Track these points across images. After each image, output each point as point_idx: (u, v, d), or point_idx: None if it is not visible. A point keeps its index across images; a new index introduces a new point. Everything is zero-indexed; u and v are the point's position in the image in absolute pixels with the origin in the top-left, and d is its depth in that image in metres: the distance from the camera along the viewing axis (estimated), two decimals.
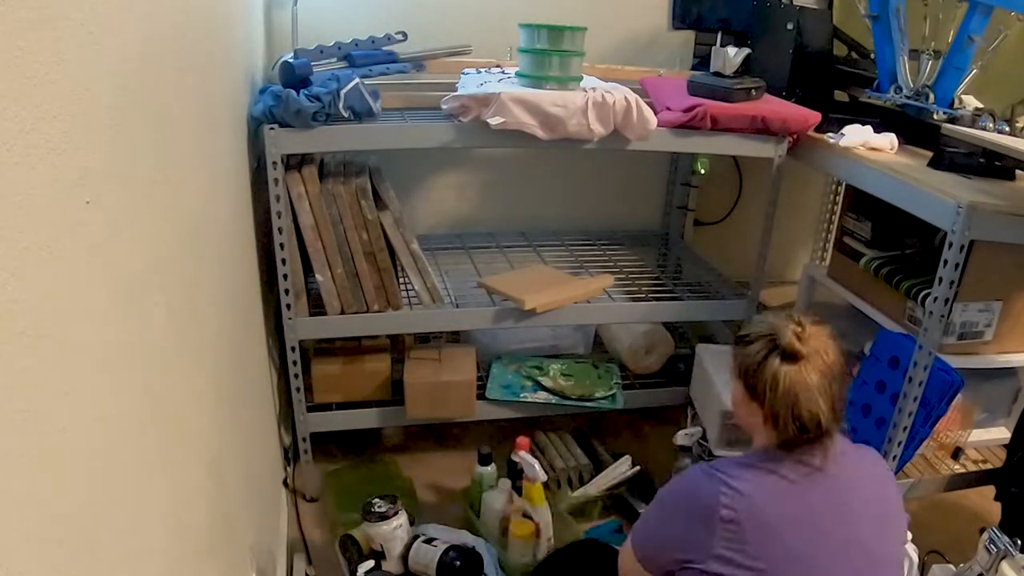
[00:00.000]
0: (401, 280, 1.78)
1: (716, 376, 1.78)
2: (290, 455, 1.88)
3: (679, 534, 1.07)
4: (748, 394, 1.11)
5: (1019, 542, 1.34)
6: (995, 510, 1.60)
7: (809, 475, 1.07)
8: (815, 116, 1.75)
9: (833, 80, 1.95)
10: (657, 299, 1.96)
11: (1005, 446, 1.68)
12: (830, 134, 1.74)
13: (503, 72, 1.77)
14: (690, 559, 1.05)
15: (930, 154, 1.62)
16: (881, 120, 1.77)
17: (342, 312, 1.71)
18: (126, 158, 0.66)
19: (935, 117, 1.72)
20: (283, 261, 1.59)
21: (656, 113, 1.68)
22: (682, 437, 1.81)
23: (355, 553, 1.56)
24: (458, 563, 1.49)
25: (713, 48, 1.78)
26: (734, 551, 1.02)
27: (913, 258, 1.75)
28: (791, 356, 1.07)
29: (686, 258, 2.31)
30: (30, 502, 0.46)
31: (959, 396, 1.52)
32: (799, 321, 1.09)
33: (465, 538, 1.61)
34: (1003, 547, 1.35)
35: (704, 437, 1.80)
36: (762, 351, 1.08)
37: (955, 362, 1.51)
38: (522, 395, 1.94)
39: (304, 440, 1.80)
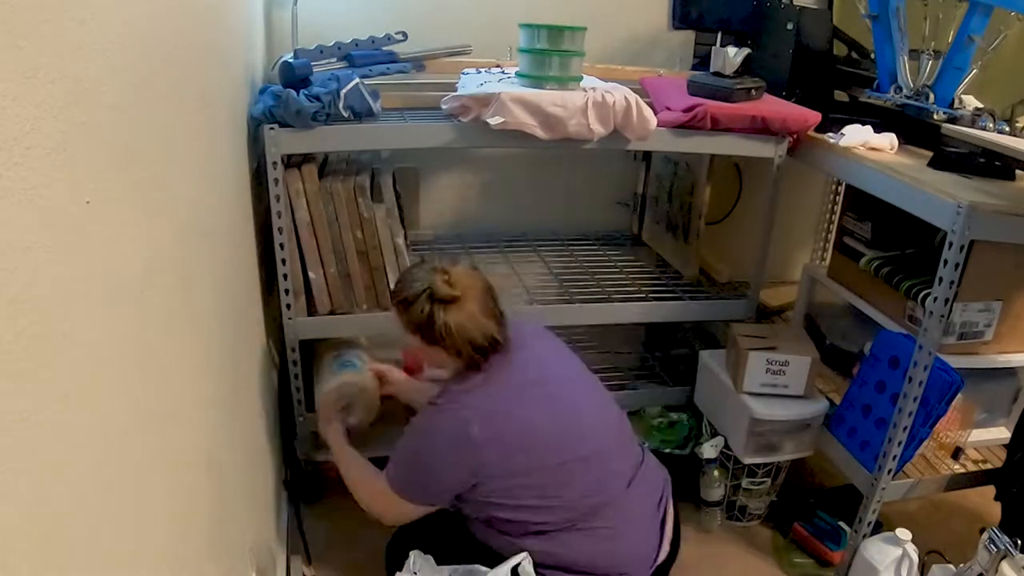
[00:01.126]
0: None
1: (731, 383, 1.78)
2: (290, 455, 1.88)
3: (450, 470, 1.26)
4: (428, 342, 1.29)
5: (1019, 542, 1.34)
6: (995, 510, 1.60)
7: (506, 365, 1.31)
8: (815, 116, 1.75)
9: (833, 80, 1.95)
10: (657, 299, 1.96)
11: (1005, 446, 1.68)
12: (830, 134, 1.74)
13: (503, 72, 1.77)
14: (471, 484, 1.26)
15: (930, 154, 1.62)
16: (881, 120, 1.77)
17: (331, 312, 1.70)
18: (126, 158, 0.66)
19: (935, 117, 1.72)
20: (283, 261, 1.59)
21: (656, 113, 1.68)
22: (708, 449, 1.81)
23: None
24: None
25: (713, 48, 1.78)
26: (504, 458, 1.25)
27: (913, 258, 1.75)
28: (449, 301, 1.26)
29: None
30: (30, 502, 0.46)
31: (959, 396, 1.52)
32: (444, 269, 1.29)
33: None
34: (1003, 547, 1.35)
35: (727, 446, 1.80)
36: (425, 307, 1.27)
37: (955, 362, 1.51)
38: None
39: (304, 440, 1.80)
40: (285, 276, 1.61)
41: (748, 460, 1.75)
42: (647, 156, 2.28)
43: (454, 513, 1.37)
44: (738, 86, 1.72)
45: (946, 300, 1.42)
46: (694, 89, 1.78)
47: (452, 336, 1.26)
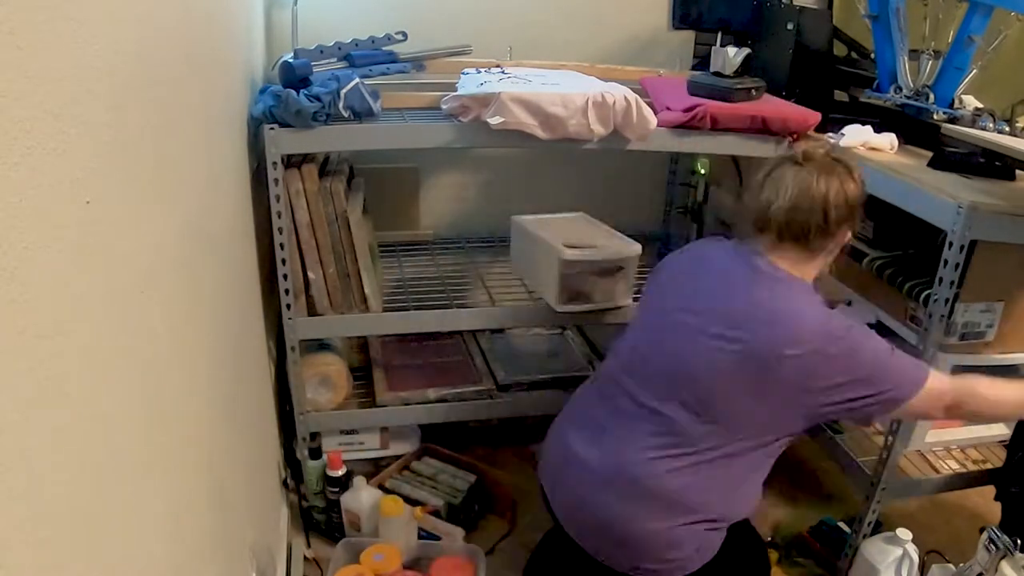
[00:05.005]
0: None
1: (543, 233, 1.79)
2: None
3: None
4: (849, 225, 1.29)
5: (1019, 542, 1.34)
6: (995, 510, 1.60)
7: None
8: (815, 116, 1.75)
9: (833, 80, 1.95)
10: None
11: (1005, 446, 1.68)
12: (830, 134, 1.73)
13: (503, 72, 1.77)
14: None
15: (930, 154, 1.62)
16: (881, 120, 1.77)
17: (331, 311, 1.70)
18: (126, 158, 0.66)
19: (935, 117, 1.72)
20: (283, 261, 1.59)
21: (656, 113, 1.67)
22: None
23: None
24: None
25: (713, 48, 1.78)
26: None
27: (915, 258, 1.75)
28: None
29: None
30: (30, 502, 0.45)
31: None
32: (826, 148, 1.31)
33: None
34: (1003, 547, 1.35)
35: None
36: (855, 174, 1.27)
37: (957, 362, 1.51)
38: None
39: (304, 440, 1.80)
40: (285, 276, 1.61)
41: (561, 309, 1.75)
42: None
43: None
44: (738, 86, 1.72)
45: (947, 300, 1.42)
46: (694, 89, 1.78)
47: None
